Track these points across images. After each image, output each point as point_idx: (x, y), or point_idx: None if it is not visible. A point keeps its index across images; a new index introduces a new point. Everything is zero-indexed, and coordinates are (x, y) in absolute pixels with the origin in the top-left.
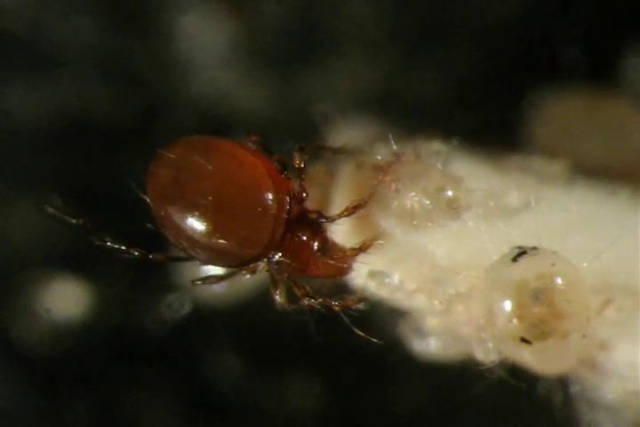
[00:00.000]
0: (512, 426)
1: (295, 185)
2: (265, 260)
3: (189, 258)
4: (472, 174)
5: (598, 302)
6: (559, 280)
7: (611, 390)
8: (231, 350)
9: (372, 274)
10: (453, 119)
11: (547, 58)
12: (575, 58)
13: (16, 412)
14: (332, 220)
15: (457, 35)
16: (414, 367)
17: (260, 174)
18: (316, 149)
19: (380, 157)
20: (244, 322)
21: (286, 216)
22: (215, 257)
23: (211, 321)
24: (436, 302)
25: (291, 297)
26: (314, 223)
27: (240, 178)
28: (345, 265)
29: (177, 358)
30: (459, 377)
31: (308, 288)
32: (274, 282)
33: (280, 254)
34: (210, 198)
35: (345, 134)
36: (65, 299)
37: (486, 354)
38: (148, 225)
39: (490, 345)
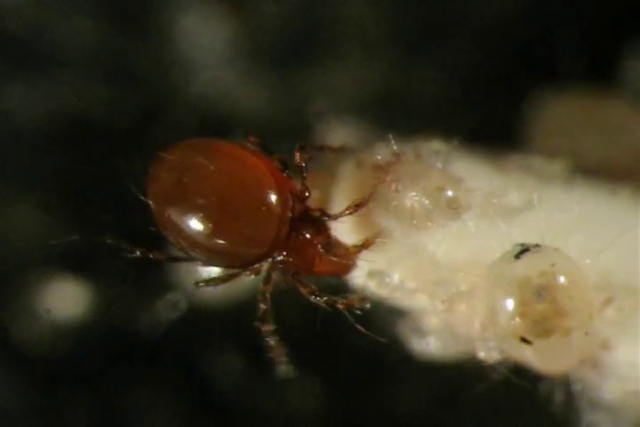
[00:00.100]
0: (512, 426)
1: (297, 184)
2: (269, 259)
3: (190, 258)
4: (472, 174)
5: (600, 301)
6: (562, 277)
7: (610, 390)
8: (231, 350)
9: (372, 274)
10: (453, 119)
11: (547, 58)
12: (575, 58)
13: (16, 412)
14: (334, 218)
15: (457, 35)
16: (414, 367)
17: (263, 174)
18: (316, 148)
19: (380, 157)
20: (244, 322)
21: (290, 215)
22: (219, 258)
23: (211, 321)
24: (438, 302)
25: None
26: (317, 221)
27: (243, 178)
28: (349, 262)
29: (177, 358)
30: (459, 377)
31: (313, 286)
32: (266, 282)
33: (284, 253)
34: (213, 199)
35: (345, 134)
36: (65, 299)
37: (488, 353)
38: (151, 228)
39: (492, 344)
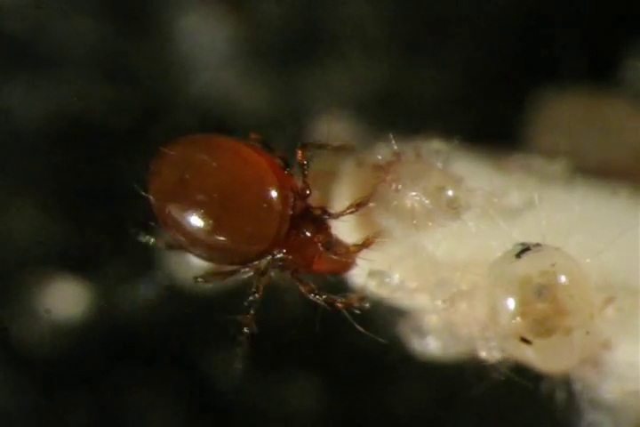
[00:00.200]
0: (512, 425)
1: (298, 182)
2: (269, 256)
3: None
4: (472, 174)
5: (600, 301)
6: (562, 276)
7: (610, 390)
8: (231, 350)
9: (373, 273)
10: (454, 119)
11: (547, 58)
12: (575, 58)
13: (16, 412)
14: (335, 216)
15: (457, 34)
16: (414, 367)
17: (264, 171)
18: (317, 147)
19: (380, 157)
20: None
21: (291, 212)
22: (219, 254)
23: (211, 321)
24: (438, 302)
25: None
26: (317, 219)
27: (244, 175)
28: (349, 260)
29: (177, 358)
30: (459, 377)
31: (312, 285)
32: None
33: (284, 251)
34: (215, 196)
35: (345, 134)
36: (65, 299)
37: (490, 352)
38: (151, 224)
39: (493, 344)
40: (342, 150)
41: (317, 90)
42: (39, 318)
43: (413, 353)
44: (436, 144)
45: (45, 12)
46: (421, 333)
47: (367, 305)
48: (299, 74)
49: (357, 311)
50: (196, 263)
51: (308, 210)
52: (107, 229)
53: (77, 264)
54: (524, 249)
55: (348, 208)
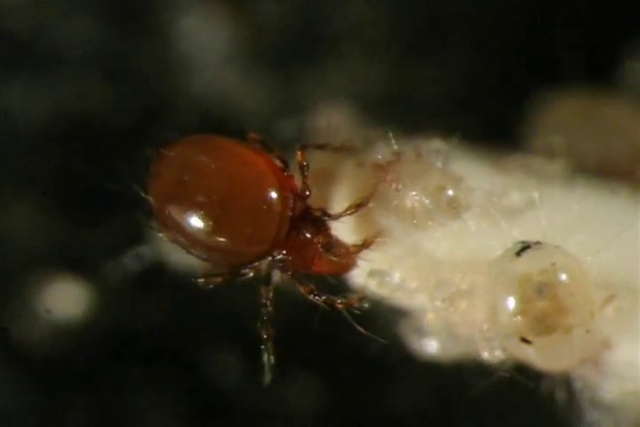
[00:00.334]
0: (513, 424)
1: (298, 183)
2: (269, 258)
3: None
4: (472, 173)
5: (600, 299)
6: (563, 274)
7: (610, 390)
8: (231, 350)
9: (373, 273)
10: (454, 118)
11: (547, 58)
12: (575, 58)
13: (16, 412)
14: (335, 217)
15: (457, 35)
16: (414, 367)
17: (264, 172)
18: (316, 147)
19: (380, 157)
20: (245, 322)
21: (291, 213)
22: (219, 256)
23: (211, 321)
24: (438, 301)
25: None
26: (317, 220)
27: (244, 176)
28: (349, 261)
29: (177, 357)
30: (459, 377)
31: (312, 286)
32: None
33: (284, 252)
34: (214, 197)
35: (345, 133)
36: (65, 299)
37: (491, 352)
38: (150, 224)
39: (494, 343)
40: (342, 151)
41: (317, 90)
42: (39, 318)
43: (413, 353)
44: (436, 144)
45: (45, 12)
46: (421, 333)
47: (366, 305)
48: (299, 74)
49: (357, 311)
50: (196, 262)
51: (307, 211)
52: (107, 230)
53: (77, 264)
54: (525, 247)
55: (347, 209)
